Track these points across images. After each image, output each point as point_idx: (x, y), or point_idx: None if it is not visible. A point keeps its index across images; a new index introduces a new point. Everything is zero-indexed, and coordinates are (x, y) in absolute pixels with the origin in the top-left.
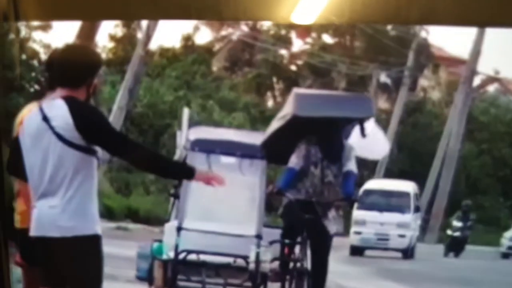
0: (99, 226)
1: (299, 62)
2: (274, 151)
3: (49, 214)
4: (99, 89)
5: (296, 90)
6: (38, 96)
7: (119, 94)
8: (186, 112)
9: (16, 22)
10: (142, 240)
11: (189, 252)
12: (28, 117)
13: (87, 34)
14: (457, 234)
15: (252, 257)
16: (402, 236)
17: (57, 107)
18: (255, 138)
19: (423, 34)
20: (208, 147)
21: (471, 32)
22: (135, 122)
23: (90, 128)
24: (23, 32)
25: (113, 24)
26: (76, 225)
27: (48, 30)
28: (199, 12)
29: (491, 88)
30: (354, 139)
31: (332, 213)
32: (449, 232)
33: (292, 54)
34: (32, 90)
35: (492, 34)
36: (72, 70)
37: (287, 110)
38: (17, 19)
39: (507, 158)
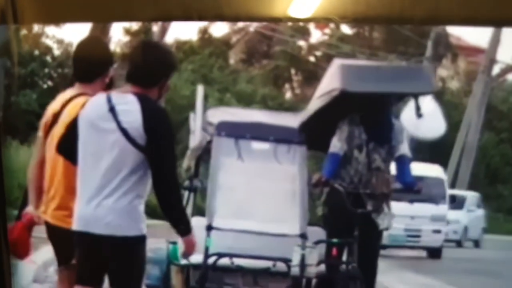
0: (145, 228)
1: (318, 54)
2: (314, 135)
3: (98, 209)
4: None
5: (341, 62)
6: (52, 92)
7: None
8: (200, 90)
9: (14, 25)
10: (162, 236)
11: (221, 255)
12: (93, 102)
13: (102, 28)
14: None
15: (295, 260)
16: (437, 231)
17: (128, 102)
18: (291, 119)
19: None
20: (236, 131)
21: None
22: None
23: (158, 132)
24: (36, 27)
25: None
26: (125, 224)
27: (61, 25)
28: (200, 13)
29: (511, 76)
30: (405, 117)
31: (382, 206)
32: None
33: (310, 45)
34: (45, 86)
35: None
36: (148, 69)
37: (332, 85)
38: (15, 22)
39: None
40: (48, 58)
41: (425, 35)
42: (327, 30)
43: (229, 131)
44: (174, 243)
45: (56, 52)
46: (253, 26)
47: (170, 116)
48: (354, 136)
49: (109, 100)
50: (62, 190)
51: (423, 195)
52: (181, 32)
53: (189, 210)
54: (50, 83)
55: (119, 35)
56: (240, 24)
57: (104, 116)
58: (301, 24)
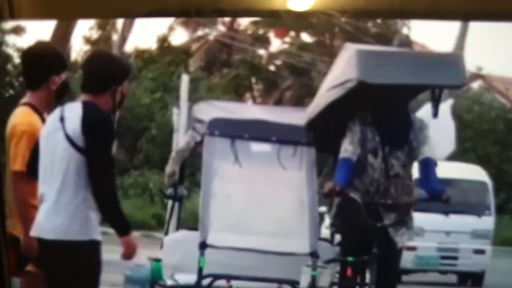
0: (97, 233)
1: (278, 62)
2: (325, 134)
3: (47, 215)
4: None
5: (357, 48)
6: (14, 100)
7: None
8: (185, 79)
9: (11, 20)
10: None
11: (217, 277)
12: (49, 118)
13: (62, 36)
14: None
15: (304, 283)
16: (479, 251)
17: (74, 109)
18: (297, 116)
19: (404, 30)
20: (232, 130)
21: (454, 27)
22: None
23: (94, 134)
24: None
25: (87, 26)
26: (72, 229)
27: (22, 33)
28: (198, 9)
29: (475, 85)
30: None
31: (404, 219)
32: None
33: (270, 54)
34: (7, 95)
35: (475, 30)
36: (95, 77)
37: (347, 74)
38: (12, 17)
39: (491, 156)
40: (9, 67)
41: (388, 43)
42: (287, 39)
43: (224, 130)
44: (158, 260)
45: (17, 60)
46: (212, 35)
47: (110, 121)
48: (367, 138)
49: (61, 111)
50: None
51: (461, 205)
52: (141, 41)
53: (173, 222)
54: (11, 91)
55: (79, 43)
56: (200, 33)
57: (55, 126)
58: (260, 32)
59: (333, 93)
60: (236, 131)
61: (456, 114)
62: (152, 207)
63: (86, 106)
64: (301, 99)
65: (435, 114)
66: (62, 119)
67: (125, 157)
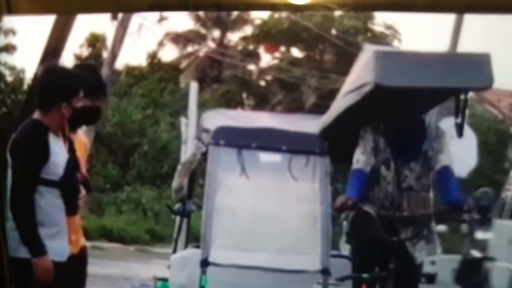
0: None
1: (268, 78)
2: (340, 143)
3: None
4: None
5: (375, 48)
6: (6, 119)
7: None
8: (194, 87)
9: (9, 15)
10: (119, 259)
11: None
12: None
13: (53, 53)
14: None
15: None
16: None
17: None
18: (310, 123)
19: (395, 43)
20: (239, 139)
21: (445, 36)
22: (104, 143)
23: (11, 154)
24: None
25: (78, 44)
26: (14, 245)
27: (13, 51)
28: (196, 2)
29: None
30: None
31: (422, 232)
32: None
33: (260, 69)
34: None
35: (467, 41)
36: (40, 93)
37: (364, 78)
38: (9, 12)
39: (483, 168)
40: (2, 85)
41: None
42: (277, 54)
43: (230, 139)
44: (165, 280)
45: (9, 78)
46: (202, 51)
47: (26, 136)
48: (379, 148)
49: None
50: None
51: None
52: (131, 57)
53: (182, 238)
54: (4, 109)
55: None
56: (190, 49)
57: None
58: (251, 48)
59: (349, 98)
60: (243, 140)
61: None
62: (145, 222)
63: (24, 123)
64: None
65: (461, 126)
66: None
67: (118, 173)
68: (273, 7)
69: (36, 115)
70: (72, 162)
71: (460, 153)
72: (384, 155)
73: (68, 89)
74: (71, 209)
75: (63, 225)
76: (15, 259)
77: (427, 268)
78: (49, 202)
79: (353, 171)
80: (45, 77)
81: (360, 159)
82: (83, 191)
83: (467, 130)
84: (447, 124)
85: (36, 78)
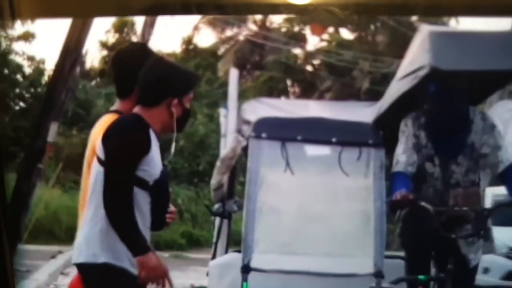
0: (118, 258)
1: (316, 62)
2: (395, 133)
3: (78, 238)
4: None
5: (431, 28)
6: (25, 114)
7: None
8: (234, 75)
9: (12, 20)
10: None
11: None
12: None
13: (76, 42)
14: None
15: None
16: None
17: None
18: (363, 111)
19: (452, 23)
20: (283, 131)
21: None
22: None
23: (109, 142)
24: (3, 44)
25: (103, 30)
26: (88, 251)
27: (31, 39)
28: (199, 7)
29: None
30: None
31: (479, 230)
32: None
33: (307, 53)
34: (17, 108)
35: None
36: (146, 87)
37: (420, 61)
38: (13, 17)
39: None
40: (19, 77)
41: None
42: (325, 36)
43: (273, 131)
44: None
45: (27, 70)
46: (242, 34)
47: (138, 131)
48: (421, 144)
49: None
50: None
51: None
52: (164, 43)
53: (222, 242)
54: (22, 104)
55: (95, 49)
56: (229, 33)
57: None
58: (295, 30)
59: (404, 82)
60: (287, 132)
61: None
62: (181, 225)
63: (121, 117)
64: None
65: None
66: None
67: None
68: (275, 9)
69: (136, 109)
70: (166, 169)
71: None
72: (427, 150)
73: (184, 84)
74: (157, 223)
75: (147, 235)
76: (94, 265)
77: None
78: (137, 207)
79: (393, 175)
80: (157, 68)
81: (400, 159)
82: (171, 206)
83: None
84: (505, 108)
85: (144, 69)
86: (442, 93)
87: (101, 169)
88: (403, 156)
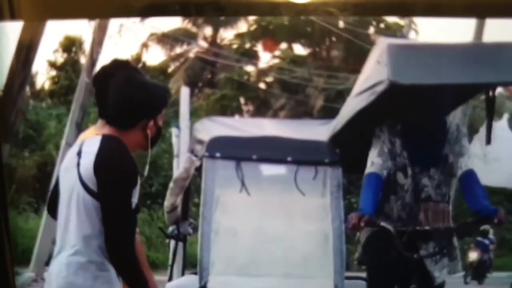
0: None
1: (269, 79)
2: (352, 151)
3: (57, 267)
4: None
5: (389, 41)
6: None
7: (66, 128)
8: (185, 93)
9: (12, 21)
10: None
11: None
12: (70, 150)
13: (24, 61)
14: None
15: None
16: None
17: (92, 143)
18: (318, 129)
19: (412, 35)
20: (237, 151)
21: (467, 32)
22: None
23: (105, 176)
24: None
25: (51, 49)
26: (80, 283)
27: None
28: (199, 7)
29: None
30: None
31: (442, 248)
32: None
33: (259, 70)
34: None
35: (493, 26)
36: (121, 108)
37: (377, 75)
38: (13, 17)
39: None
40: None
41: None
42: (277, 52)
43: (227, 150)
44: None
45: None
46: (192, 52)
47: (128, 160)
48: (395, 152)
49: (81, 144)
50: None
51: None
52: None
53: (178, 264)
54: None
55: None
56: (178, 50)
57: (72, 162)
58: (247, 46)
59: (362, 99)
60: (242, 151)
61: (473, 127)
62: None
63: (104, 141)
64: (297, 118)
65: (488, 129)
66: (79, 153)
67: None
68: (275, 9)
69: (107, 130)
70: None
71: (503, 160)
72: (401, 160)
73: (158, 104)
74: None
75: None
76: None
77: None
78: None
79: (367, 176)
80: (129, 91)
81: (375, 161)
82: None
83: (509, 134)
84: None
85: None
86: (419, 101)
87: (89, 198)
88: (378, 159)
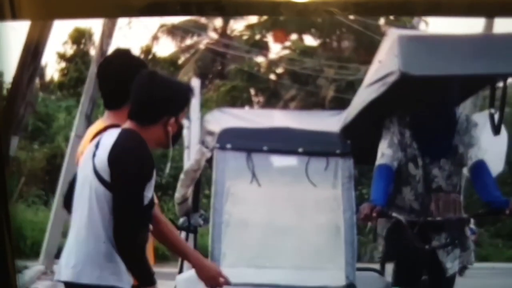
0: (121, 280)
1: (279, 70)
2: (364, 142)
3: (67, 255)
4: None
5: (399, 32)
6: None
7: (76, 120)
8: (196, 84)
9: (13, 21)
10: None
11: None
12: (92, 141)
13: (34, 54)
14: None
15: None
16: None
17: (110, 136)
18: (328, 120)
19: (422, 26)
20: (248, 142)
21: (476, 24)
22: None
23: (118, 168)
24: None
25: (60, 41)
26: (86, 271)
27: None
28: (199, 7)
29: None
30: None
31: (454, 239)
32: None
33: (270, 61)
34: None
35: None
36: (144, 104)
37: (388, 66)
38: (13, 17)
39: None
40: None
41: None
42: (287, 43)
43: (238, 142)
44: None
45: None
46: (202, 43)
47: (144, 153)
48: (405, 143)
49: (101, 136)
50: None
51: None
52: None
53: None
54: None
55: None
56: (188, 41)
57: (89, 153)
58: (257, 37)
59: (372, 89)
60: (253, 142)
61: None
62: None
63: (122, 134)
64: (308, 109)
65: (499, 121)
66: (97, 145)
67: None
68: (275, 9)
69: (128, 125)
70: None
71: (489, 154)
72: (411, 150)
73: (181, 102)
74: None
75: None
76: (100, 287)
77: None
78: None
79: (378, 167)
80: (153, 87)
81: (385, 152)
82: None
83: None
84: (483, 117)
85: (135, 85)
86: (430, 92)
87: (101, 188)
88: (388, 150)
